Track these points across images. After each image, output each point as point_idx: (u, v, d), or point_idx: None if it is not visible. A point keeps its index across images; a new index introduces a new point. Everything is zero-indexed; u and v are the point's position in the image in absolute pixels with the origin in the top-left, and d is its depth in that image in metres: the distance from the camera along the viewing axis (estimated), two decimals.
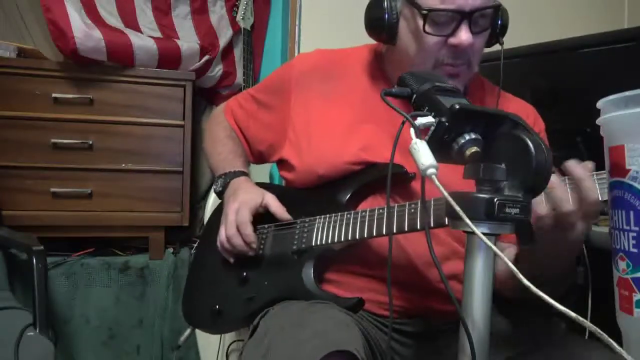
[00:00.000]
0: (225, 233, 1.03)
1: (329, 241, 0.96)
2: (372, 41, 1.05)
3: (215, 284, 1.10)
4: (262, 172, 2.00)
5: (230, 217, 1.02)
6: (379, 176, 0.98)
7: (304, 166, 1.04)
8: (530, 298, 0.52)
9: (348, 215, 0.96)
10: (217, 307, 1.05)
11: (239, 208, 1.03)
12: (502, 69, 1.03)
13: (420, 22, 0.91)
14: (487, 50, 1.02)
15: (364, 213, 0.94)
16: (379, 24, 0.97)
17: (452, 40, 0.91)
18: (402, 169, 0.94)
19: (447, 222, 0.84)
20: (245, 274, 1.03)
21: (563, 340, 0.88)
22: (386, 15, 0.95)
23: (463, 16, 0.89)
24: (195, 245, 1.71)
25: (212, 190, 1.20)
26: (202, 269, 1.17)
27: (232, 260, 1.06)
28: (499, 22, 0.97)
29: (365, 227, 0.93)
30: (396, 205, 0.91)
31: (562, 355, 0.83)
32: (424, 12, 0.90)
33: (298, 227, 1.02)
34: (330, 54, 1.13)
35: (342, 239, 0.95)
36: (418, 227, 0.86)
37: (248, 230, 1.01)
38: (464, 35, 0.90)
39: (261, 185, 1.14)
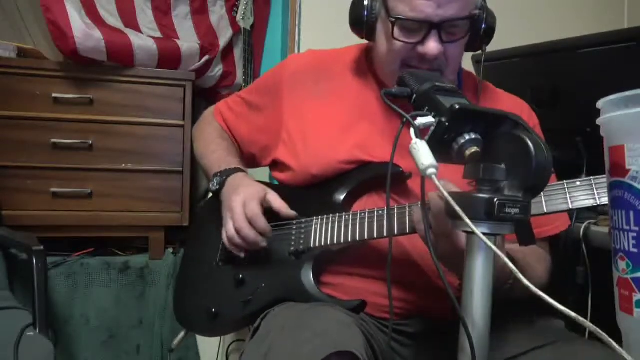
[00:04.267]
0: (235, 226, 0.99)
1: (328, 242, 0.96)
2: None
3: (209, 285, 1.09)
4: (263, 172, 1.99)
5: (238, 210, 0.98)
6: (375, 175, 0.98)
7: (298, 166, 1.03)
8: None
9: (347, 216, 0.96)
10: (213, 309, 1.03)
11: (246, 201, 0.99)
12: (484, 73, 1.04)
13: (390, 27, 0.92)
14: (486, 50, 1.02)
15: (362, 214, 0.94)
16: (359, 22, 0.98)
17: (420, 48, 0.92)
18: (398, 168, 0.94)
19: None
20: (241, 275, 1.02)
21: (564, 339, 0.88)
22: (365, 15, 0.97)
23: (432, 26, 0.89)
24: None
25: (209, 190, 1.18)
26: (194, 270, 1.15)
27: (242, 255, 1.01)
28: (483, 27, 0.96)
29: (365, 228, 0.92)
30: (396, 206, 0.91)
31: (564, 353, 0.83)
32: (392, 19, 0.91)
33: (294, 227, 1.02)
34: (323, 55, 1.13)
35: (342, 241, 0.95)
36: None
37: (261, 222, 0.98)
38: (432, 45, 0.90)
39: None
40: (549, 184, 0.81)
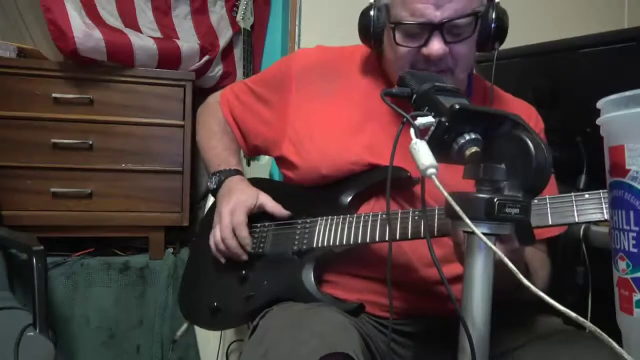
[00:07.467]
0: (220, 235, 1.03)
1: (331, 243, 0.96)
2: None
3: (213, 281, 1.10)
4: (262, 172, 2.00)
5: (225, 219, 1.02)
6: (382, 179, 0.97)
7: (306, 165, 1.03)
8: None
9: (350, 219, 0.95)
10: (216, 304, 1.04)
11: (234, 209, 1.02)
12: (494, 73, 1.02)
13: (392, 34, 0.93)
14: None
15: (366, 217, 0.94)
16: (367, 33, 0.98)
17: (424, 50, 0.92)
18: (406, 173, 0.93)
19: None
20: (244, 272, 1.03)
21: (560, 333, 0.88)
22: (372, 26, 0.97)
23: (433, 27, 0.89)
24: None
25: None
26: (199, 266, 1.17)
27: (223, 261, 1.06)
28: (493, 26, 0.95)
29: (367, 231, 0.92)
30: (400, 211, 0.91)
31: (561, 346, 0.83)
32: (392, 25, 0.92)
33: (299, 227, 1.02)
34: (331, 51, 1.12)
35: (344, 243, 0.94)
36: (422, 235, 0.86)
37: (244, 232, 1.02)
38: (435, 46, 0.90)
39: (261, 181, 1.13)
40: (556, 197, 0.81)
